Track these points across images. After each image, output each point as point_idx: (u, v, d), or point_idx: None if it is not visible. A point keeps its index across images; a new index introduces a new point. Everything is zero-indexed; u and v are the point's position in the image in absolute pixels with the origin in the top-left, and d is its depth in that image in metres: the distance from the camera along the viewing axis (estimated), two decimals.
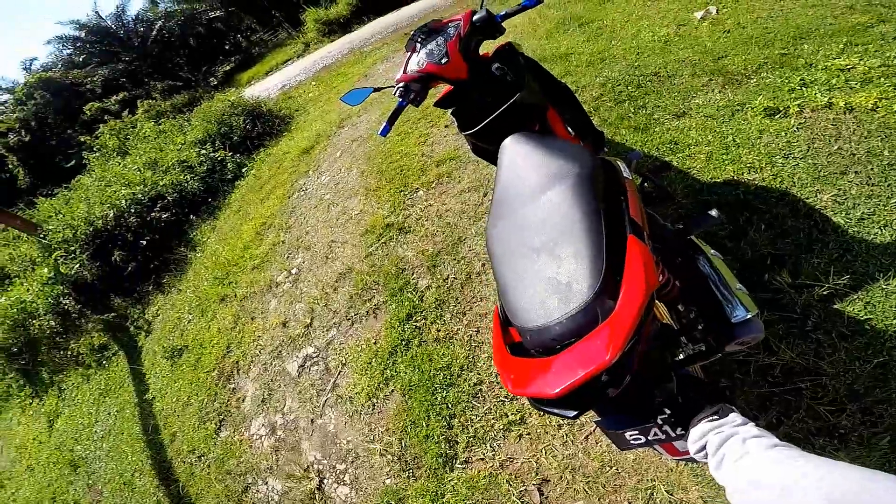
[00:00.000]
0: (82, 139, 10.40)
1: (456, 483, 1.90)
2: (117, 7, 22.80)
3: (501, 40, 1.80)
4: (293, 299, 3.31)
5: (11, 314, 5.18)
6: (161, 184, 5.75)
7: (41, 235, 5.74)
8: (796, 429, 1.52)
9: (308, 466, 2.37)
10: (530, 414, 1.92)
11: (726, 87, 2.68)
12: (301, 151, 5.27)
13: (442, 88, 1.81)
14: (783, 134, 2.20)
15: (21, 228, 6.13)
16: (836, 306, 1.62)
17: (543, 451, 1.79)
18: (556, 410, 0.93)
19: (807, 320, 1.64)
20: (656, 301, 1.23)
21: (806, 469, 0.67)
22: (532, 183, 1.18)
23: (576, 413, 0.91)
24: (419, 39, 1.76)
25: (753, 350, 1.66)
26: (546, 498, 1.71)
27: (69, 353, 4.84)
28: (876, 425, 1.44)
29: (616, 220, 1.06)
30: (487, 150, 1.65)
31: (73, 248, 5.28)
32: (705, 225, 1.43)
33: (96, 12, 22.74)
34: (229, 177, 6.00)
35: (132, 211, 5.41)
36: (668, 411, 0.98)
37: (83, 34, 22.66)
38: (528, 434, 1.86)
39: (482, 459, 1.89)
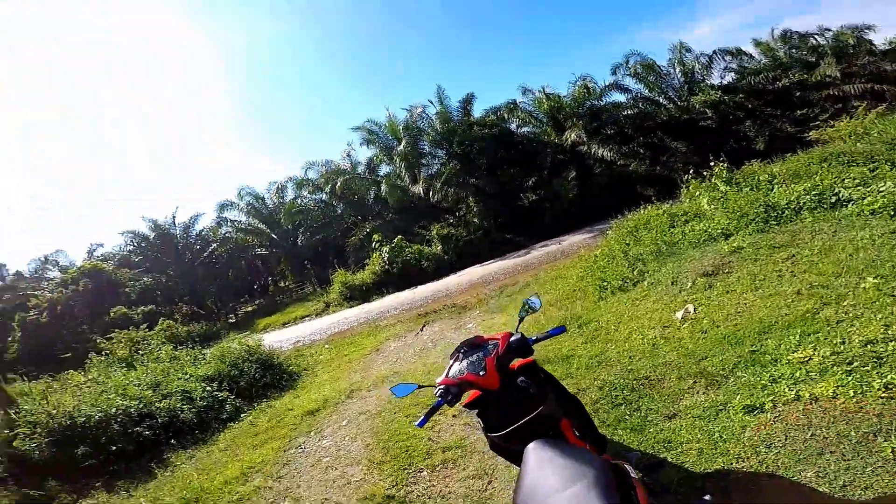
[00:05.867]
0: (94, 338, 10.90)
1: None
2: (189, 219, 26.00)
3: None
4: None
5: None
6: (157, 405, 5.93)
7: (14, 411, 5.77)
8: None
9: None
10: None
11: (709, 388, 3.06)
12: (306, 412, 5.48)
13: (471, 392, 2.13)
14: (763, 427, 2.53)
15: None
16: None
17: None
18: None
19: None
20: None
21: None
22: (554, 482, 1.49)
23: None
24: (462, 351, 2.16)
25: None
26: None
27: None
28: None
29: None
30: (506, 447, 1.94)
31: (37, 431, 5.41)
32: None
33: (173, 216, 25.71)
34: (224, 417, 6.14)
35: (118, 420, 5.58)
36: None
37: (152, 236, 25.20)
38: None
39: None
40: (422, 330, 8.15)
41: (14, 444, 5.32)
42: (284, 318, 18.21)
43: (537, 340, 2.20)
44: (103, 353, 9.99)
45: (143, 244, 25.70)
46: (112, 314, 20.71)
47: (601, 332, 4.78)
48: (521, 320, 2.41)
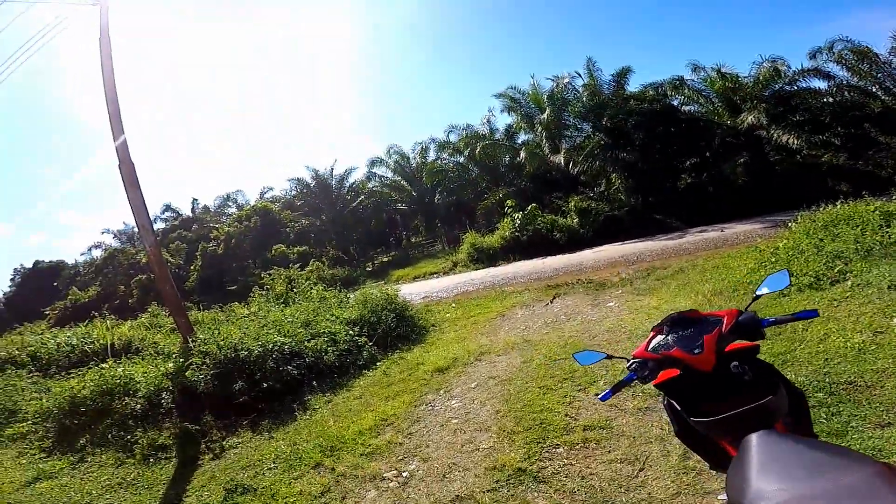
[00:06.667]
0: (258, 272, 12.24)
1: None
2: (344, 171, 28.76)
3: None
4: (397, 500, 3.23)
5: (112, 381, 5.62)
6: (306, 345, 6.28)
7: (192, 339, 6.37)
8: None
9: None
10: None
11: None
12: (436, 369, 5.53)
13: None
14: None
15: (181, 326, 6.95)
16: None
17: None
18: None
19: None
20: None
21: None
22: (815, 480, 1.16)
23: None
24: (668, 324, 1.90)
25: None
26: None
27: (128, 437, 5.00)
28: None
29: None
30: (705, 435, 1.66)
31: (206, 361, 5.74)
32: None
33: (331, 168, 28.65)
34: (360, 363, 6.41)
35: (274, 356, 5.82)
36: None
37: (313, 183, 28.42)
38: None
39: None
40: (552, 301, 7.85)
41: (187, 374, 5.57)
42: (415, 272, 19.10)
43: (775, 323, 1.81)
44: (264, 287, 10.74)
45: (304, 190, 28.89)
46: (273, 251, 23.78)
47: (785, 330, 4.24)
48: (756, 298, 1.99)
